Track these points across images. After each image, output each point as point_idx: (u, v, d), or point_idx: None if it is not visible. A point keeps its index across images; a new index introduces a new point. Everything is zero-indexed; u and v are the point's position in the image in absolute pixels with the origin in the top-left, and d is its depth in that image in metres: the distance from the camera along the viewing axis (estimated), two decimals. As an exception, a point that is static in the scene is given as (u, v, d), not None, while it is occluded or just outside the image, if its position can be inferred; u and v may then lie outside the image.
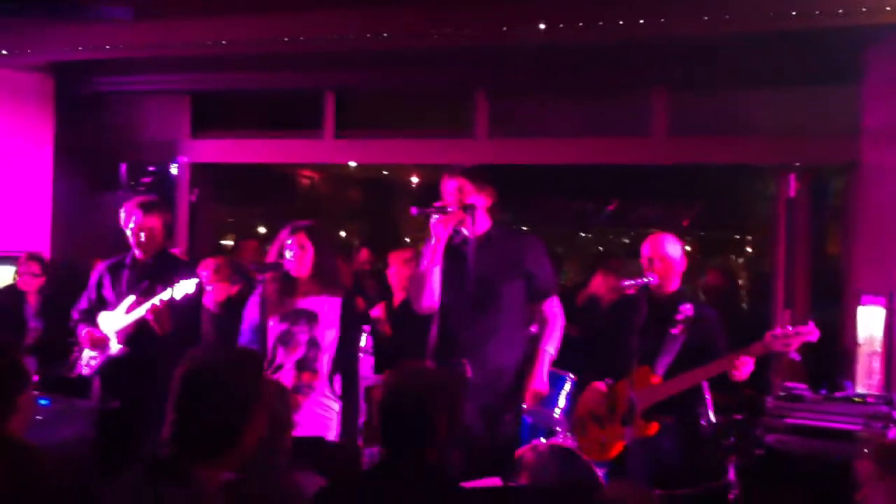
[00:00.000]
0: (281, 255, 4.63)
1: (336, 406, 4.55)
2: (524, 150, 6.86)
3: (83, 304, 5.24)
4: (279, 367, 4.54)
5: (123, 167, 7.21)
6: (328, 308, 4.60)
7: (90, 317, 5.14)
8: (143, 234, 5.04)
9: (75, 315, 5.21)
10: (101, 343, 5.01)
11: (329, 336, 4.57)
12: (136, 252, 5.11)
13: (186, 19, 6.69)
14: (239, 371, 2.49)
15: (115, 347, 4.98)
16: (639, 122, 6.55)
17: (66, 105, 7.17)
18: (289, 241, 4.62)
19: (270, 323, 4.54)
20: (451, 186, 4.49)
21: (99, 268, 5.26)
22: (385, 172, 11.74)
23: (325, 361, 4.56)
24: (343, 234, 11.29)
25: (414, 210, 4.48)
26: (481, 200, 4.51)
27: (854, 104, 5.91)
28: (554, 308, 4.68)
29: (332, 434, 4.48)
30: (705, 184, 8.98)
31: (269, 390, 2.67)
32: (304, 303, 4.61)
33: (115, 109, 7.49)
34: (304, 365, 4.53)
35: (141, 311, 4.85)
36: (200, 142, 7.37)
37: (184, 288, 4.76)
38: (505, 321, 4.48)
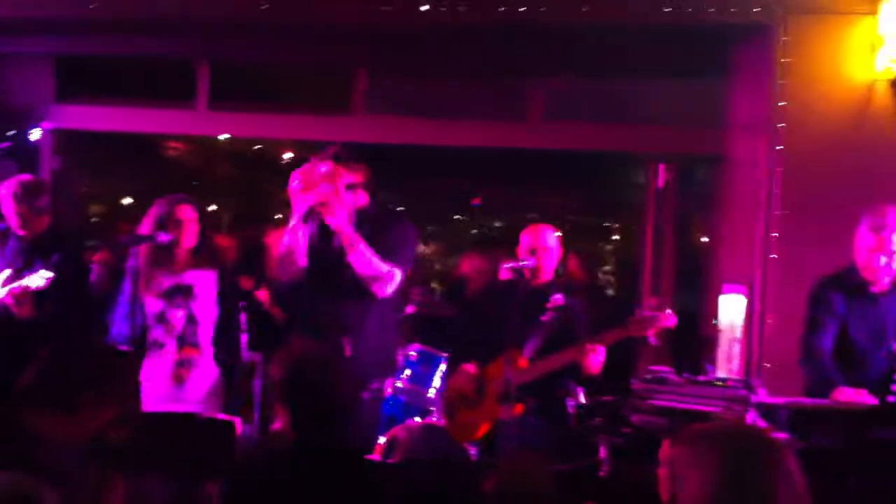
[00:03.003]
0: (156, 228, 4.51)
1: (220, 379, 4.53)
2: (401, 129, 6.84)
3: None
4: (161, 346, 4.45)
5: (-18, 133, 6.85)
6: (205, 282, 4.56)
7: None
8: (17, 220, 4.95)
9: None
10: None
11: (207, 310, 4.53)
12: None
13: (50, -22, 6.39)
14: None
15: None
16: (515, 106, 6.63)
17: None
18: (174, 214, 4.52)
19: (147, 300, 4.43)
20: (320, 170, 4.43)
21: None
22: (257, 147, 11.51)
23: (205, 335, 4.51)
24: (214, 207, 11.02)
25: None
26: (354, 179, 4.45)
27: (723, 98, 6.13)
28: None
29: (218, 406, 4.46)
30: (578, 171, 9.14)
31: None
32: (181, 277, 4.53)
33: (-27, 72, 7.08)
34: (184, 340, 4.46)
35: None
36: (65, 107, 7.06)
37: (40, 278, 4.60)
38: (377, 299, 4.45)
